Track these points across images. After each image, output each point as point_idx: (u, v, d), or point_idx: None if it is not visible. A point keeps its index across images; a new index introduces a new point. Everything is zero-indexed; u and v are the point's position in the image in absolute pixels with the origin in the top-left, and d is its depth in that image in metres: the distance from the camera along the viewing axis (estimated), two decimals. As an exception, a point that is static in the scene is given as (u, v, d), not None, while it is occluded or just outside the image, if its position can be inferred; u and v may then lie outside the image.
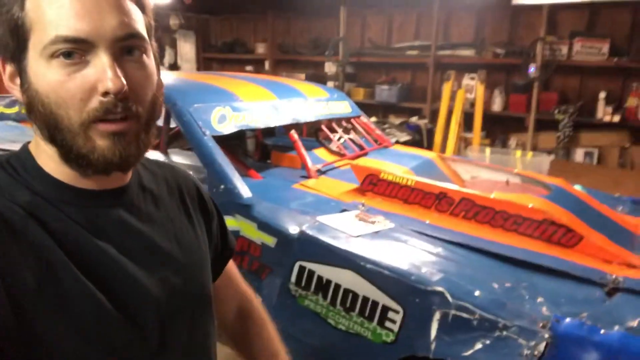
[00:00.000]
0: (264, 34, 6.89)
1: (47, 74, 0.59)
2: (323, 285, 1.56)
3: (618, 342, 1.21)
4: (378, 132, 3.04)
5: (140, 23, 0.64)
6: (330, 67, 6.05)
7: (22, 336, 0.56)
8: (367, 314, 1.48)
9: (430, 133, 4.95)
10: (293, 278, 1.61)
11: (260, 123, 2.21)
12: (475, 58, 5.19)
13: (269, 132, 3.11)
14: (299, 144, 2.33)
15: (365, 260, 1.51)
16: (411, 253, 1.57)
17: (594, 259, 1.66)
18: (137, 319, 0.65)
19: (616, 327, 1.25)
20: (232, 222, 1.81)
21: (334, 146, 2.65)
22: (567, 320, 1.27)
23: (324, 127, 2.67)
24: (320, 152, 2.57)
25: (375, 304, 1.47)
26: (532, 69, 4.80)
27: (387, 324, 1.45)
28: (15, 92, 0.64)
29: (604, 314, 1.34)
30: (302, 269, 1.60)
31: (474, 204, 1.87)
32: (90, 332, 0.61)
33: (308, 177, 2.24)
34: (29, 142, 0.68)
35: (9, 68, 0.64)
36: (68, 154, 0.62)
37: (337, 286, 1.53)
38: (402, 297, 1.43)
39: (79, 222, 0.64)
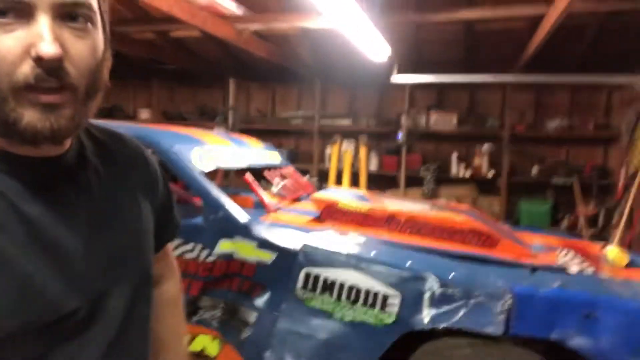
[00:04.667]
0: (146, 100, 6.98)
1: None
2: (329, 286, 1.84)
3: (556, 293, 1.73)
4: (303, 180, 3.43)
5: None
6: (219, 133, 6.36)
7: None
8: (370, 303, 1.80)
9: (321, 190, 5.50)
10: (300, 284, 1.86)
11: (228, 164, 2.46)
12: (352, 126, 6.01)
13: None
14: (255, 185, 2.61)
15: (364, 260, 1.85)
16: (393, 253, 1.96)
17: (510, 254, 2.23)
18: (65, 292, 0.61)
19: (549, 287, 1.78)
20: (227, 245, 2.00)
21: (275, 189, 2.96)
22: (520, 285, 1.77)
23: (266, 173, 2.98)
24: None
25: (376, 293, 1.80)
26: (399, 135, 5.73)
27: (387, 308, 1.78)
28: None
29: (534, 282, 1.87)
30: (308, 275, 1.86)
31: (417, 221, 2.35)
32: (9, 304, 0.56)
33: (267, 212, 2.51)
34: None
35: None
36: None
37: (342, 284, 1.83)
38: (398, 284, 1.79)
39: (7, 190, 0.59)
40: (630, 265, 2.26)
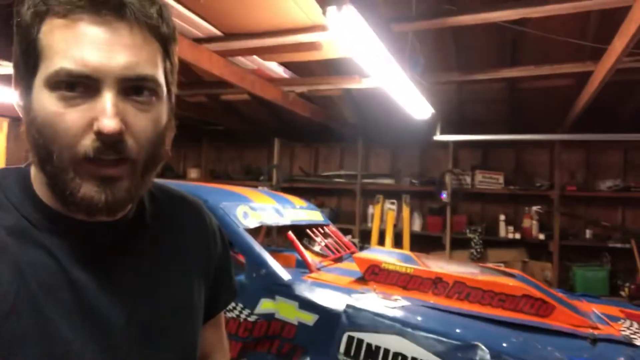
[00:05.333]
0: (195, 160, 7.25)
1: (46, 103, 0.56)
2: (372, 352, 1.76)
3: (620, 370, 1.58)
4: (345, 239, 3.39)
5: (154, 64, 0.60)
6: (263, 191, 6.48)
7: None
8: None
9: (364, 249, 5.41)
10: (342, 349, 1.79)
11: (272, 221, 2.47)
12: (395, 186, 5.98)
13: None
14: (297, 243, 2.59)
15: (409, 325, 1.76)
16: (441, 320, 1.86)
17: (567, 324, 2.08)
18: (102, 357, 0.60)
19: (613, 361, 1.63)
20: (269, 305, 1.97)
21: (317, 248, 2.94)
22: (580, 358, 1.63)
23: (309, 232, 2.97)
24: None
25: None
26: (444, 194, 5.64)
27: (436, 380, 1.68)
28: (20, 112, 0.61)
29: (596, 355, 1.72)
30: (350, 338, 1.79)
31: (465, 285, 2.25)
32: None
33: (310, 271, 2.47)
34: (31, 162, 0.64)
35: (19, 89, 0.61)
36: (54, 187, 0.60)
37: (387, 351, 1.75)
38: (446, 354, 1.69)
39: (59, 252, 0.60)
40: None
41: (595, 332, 1.97)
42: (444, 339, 1.72)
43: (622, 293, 4.95)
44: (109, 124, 0.55)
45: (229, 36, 2.88)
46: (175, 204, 0.79)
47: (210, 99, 5.84)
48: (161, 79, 0.62)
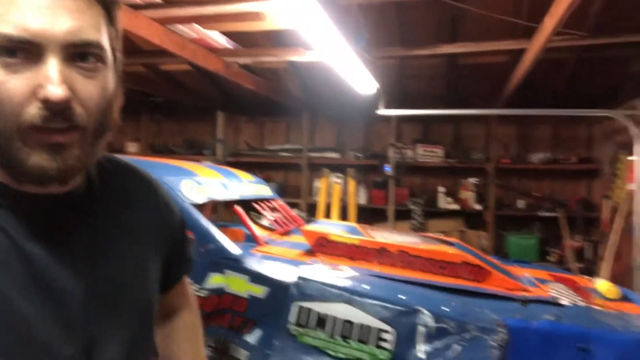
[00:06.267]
0: (133, 134, 6.96)
1: None
2: (322, 320, 1.80)
3: (548, 327, 1.72)
4: (293, 213, 3.41)
5: (99, 29, 0.59)
6: (207, 166, 6.36)
7: None
8: (363, 339, 1.76)
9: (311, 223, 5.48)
10: (293, 319, 1.82)
11: (218, 196, 2.44)
12: (341, 159, 6.04)
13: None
14: (245, 217, 2.58)
15: (357, 293, 1.82)
16: (386, 287, 1.93)
17: (501, 287, 2.22)
18: (61, 336, 0.59)
19: (542, 319, 1.77)
20: (219, 279, 1.96)
21: (265, 222, 2.94)
22: (513, 318, 1.75)
23: (256, 206, 2.96)
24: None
25: (370, 329, 1.77)
26: (387, 168, 5.77)
27: (382, 344, 1.75)
28: None
29: (527, 315, 1.86)
30: (300, 309, 1.83)
31: (408, 254, 2.34)
32: (3, 345, 0.55)
33: (258, 245, 2.48)
34: None
35: None
36: (1, 158, 0.57)
37: (335, 318, 1.80)
38: (392, 319, 1.77)
39: (10, 227, 0.59)
40: (621, 298, 2.27)
41: (527, 294, 2.12)
42: (389, 305, 1.79)
43: (550, 258, 5.35)
44: (55, 91, 0.53)
45: (168, 2, 2.76)
46: (125, 176, 0.78)
47: (148, 69, 5.59)
48: (106, 44, 0.60)
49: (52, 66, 0.54)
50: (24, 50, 0.54)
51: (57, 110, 0.54)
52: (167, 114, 6.84)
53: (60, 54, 0.55)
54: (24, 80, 0.54)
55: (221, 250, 2.00)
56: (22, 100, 0.54)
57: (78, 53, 0.57)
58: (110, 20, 0.62)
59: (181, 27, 3.24)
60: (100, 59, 0.59)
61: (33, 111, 0.54)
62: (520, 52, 3.86)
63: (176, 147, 6.65)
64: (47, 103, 0.54)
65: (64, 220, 0.64)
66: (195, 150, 6.41)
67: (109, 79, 0.61)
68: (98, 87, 0.59)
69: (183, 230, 0.89)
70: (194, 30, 3.35)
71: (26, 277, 0.58)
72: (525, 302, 2.01)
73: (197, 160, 6.31)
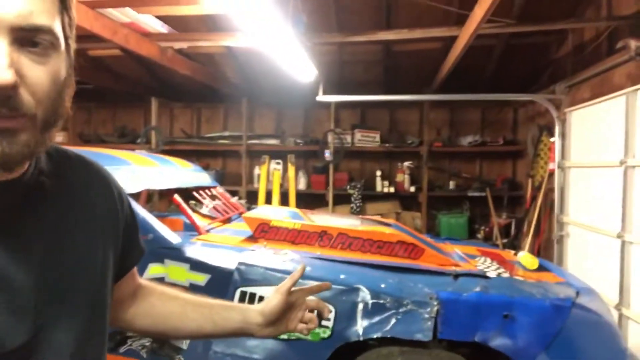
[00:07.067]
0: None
1: None
2: (264, 303, 1.84)
3: (476, 298, 1.86)
4: (233, 200, 3.41)
5: (51, 15, 0.57)
6: (142, 155, 6.16)
7: None
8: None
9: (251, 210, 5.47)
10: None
11: (155, 185, 2.39)
12: (280, 146, 6.06)
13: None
14: (184, 206, 2.56)
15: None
16: (326, 268, 2.00)
17: (434, 263, 2.36)
18: (11, 326, 0.59)
19: (471, 291, 1.91)
20: (158, 270, 1.94)
21: (205, 210, 2.92)
22: (445, 291, 1.88)
23: (196, 194, 2.93)
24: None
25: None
26: (327, 153, 5.86)
27: (323, 322, 1.82)
28: None
29: (458, 288, 1.99)
30: (243, 294, 1.85)
31: (348, 236, 2.42)
32: None
33: (199, 234, 2.47)
34: None
35: None
36: None
37: (278, 301, 1.84)
38: (332, 298, 1.84)
39: None
40: (539, 269, 2.48)
41: (457, 268, 2.27)
42: (333, 285, 1.86)
43: (479, 235, 5.68)
44: (2, 75, 0.51)
45: (97, -15, 2.65)
46: (74, 165, 0.76)
47: (76, 54, 5.28)
48: (59, 31, 0.59)
49: (0, 49, 0.52)
50: None
51: (3, 97, 0.52)
52: (97, 101, 6.53)
53: (8, 37, 0.53)
54: None
55: (160, 240, 1.98)
56: None
57: (28, 38, 0.55)
58: (65, 6, 0.60)
59: (112, 11, 3.12)
60: (52, 45, 0.57)
61: None
62: (452, 40, 4.04)
63: (107, 136, 6.38)
64: None
65: (12, 209, 0.62)
66: (128, 139, 6.18)
67: (61, 66, 0.60)
68: (48, 73, 0.57)
69: (134, 219, 0.88)
70: (126, 14, 3.23)
71: None
72: (456, 276, 2.14)
73: (131, 149, 6.14)
